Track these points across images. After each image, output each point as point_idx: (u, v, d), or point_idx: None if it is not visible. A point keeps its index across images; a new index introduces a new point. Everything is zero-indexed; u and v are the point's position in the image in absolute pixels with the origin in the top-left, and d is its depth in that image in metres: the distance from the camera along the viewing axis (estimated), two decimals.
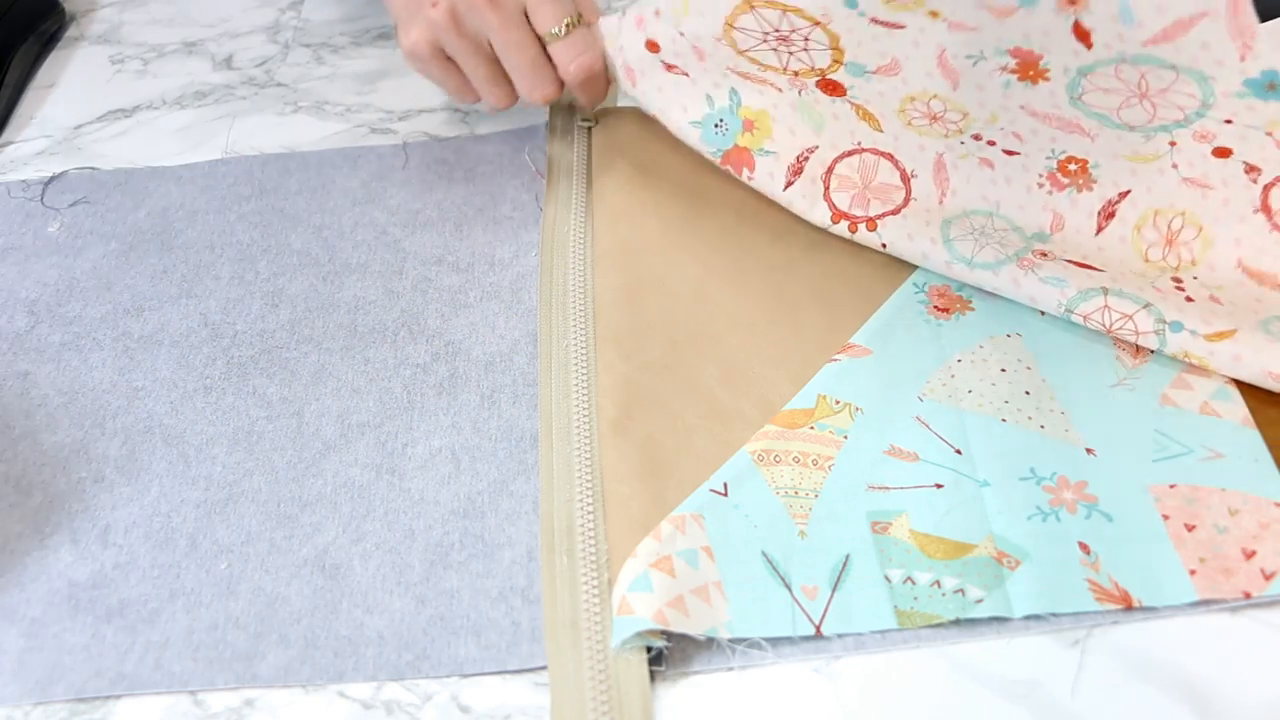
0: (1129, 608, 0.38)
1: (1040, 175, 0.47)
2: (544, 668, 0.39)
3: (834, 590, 0.40)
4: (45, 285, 0.54)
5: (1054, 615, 0.38)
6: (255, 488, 0.45)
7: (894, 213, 0.49)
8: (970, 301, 0.48)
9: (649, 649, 0.38)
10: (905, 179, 0.49)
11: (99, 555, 0.43)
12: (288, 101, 0.64)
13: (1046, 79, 0.43)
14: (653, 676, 0.38)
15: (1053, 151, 0.46)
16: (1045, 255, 0.47)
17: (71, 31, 0.71)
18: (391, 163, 0.59)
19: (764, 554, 0.40)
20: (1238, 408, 0.43)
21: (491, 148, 0.59)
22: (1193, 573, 0.39)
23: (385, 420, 0.47)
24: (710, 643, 0.39)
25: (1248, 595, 0.38)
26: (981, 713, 0.37)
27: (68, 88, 0.67)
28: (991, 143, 0.47)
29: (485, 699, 0.39)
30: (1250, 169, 0.44)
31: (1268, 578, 0.38)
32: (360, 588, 0.42)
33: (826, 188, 0.50)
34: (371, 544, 0.43)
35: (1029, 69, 0.43)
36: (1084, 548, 0.40)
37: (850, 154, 0.50)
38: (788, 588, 0.40)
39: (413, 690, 0.39)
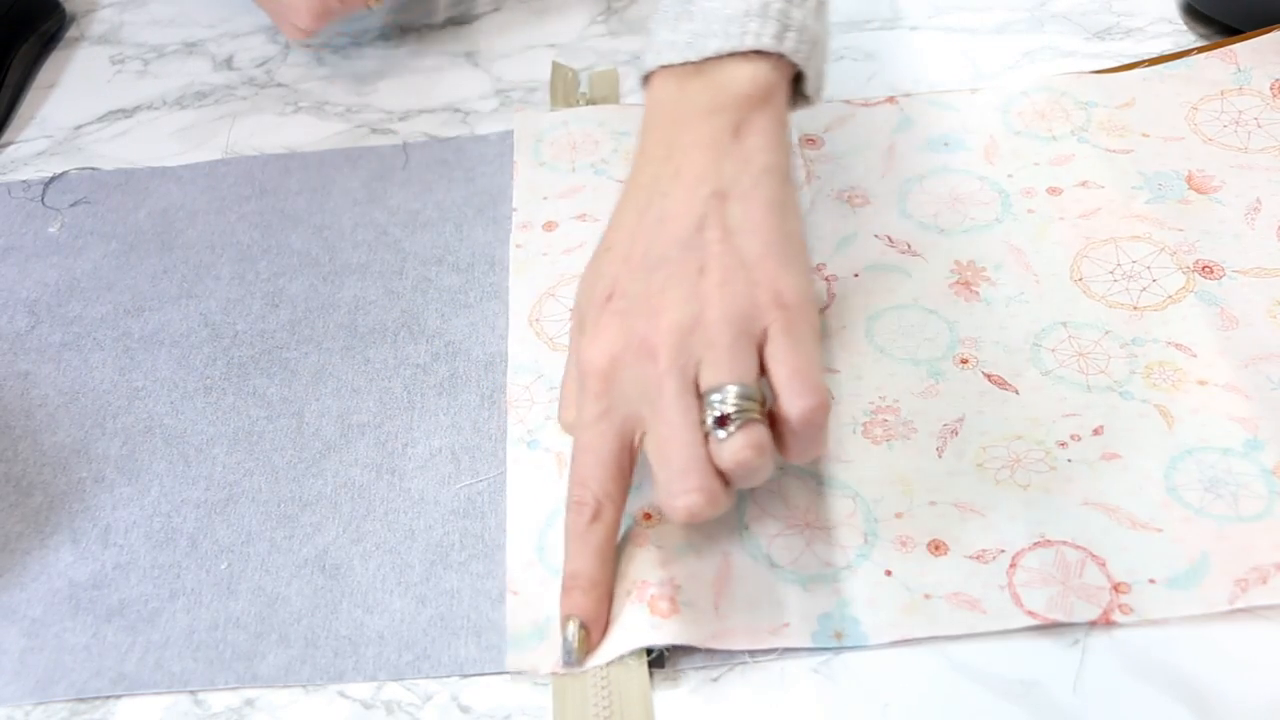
0: None
1: None
2: (548, 672, 0.39)
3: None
4: (46, 285, 0.54)
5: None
6: (255, 488, 0.45)
7: None
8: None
9: (649, 650, 0.38)
10: None
11: (99, 555, 0.43)
12: (288, 102, 0.64)
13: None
14: (653, 676, 0.38)
15: None
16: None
17: (72, 32, 0.71)
18: (391, 163, 0.59)
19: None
20: None
21: (491, 148, 0.59)
22: None
23: (385, 420, 0.47)
24: None
25: None
26: (981, 713, 0.37)
27: (68, 88, 0.67)
28: None
29: (485, 699, 0.39)
30: None
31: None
32: (360, 588, 0.42)
33: None
34: (372, 544, 0.43)
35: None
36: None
37: None
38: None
39: (413, 690, 0.39)
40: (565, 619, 0.38)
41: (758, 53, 0.40)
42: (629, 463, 0.39)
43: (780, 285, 0.37)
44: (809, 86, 0.43)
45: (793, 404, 0.36)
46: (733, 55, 0.40)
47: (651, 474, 0.37)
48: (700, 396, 0.37)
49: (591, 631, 0.38)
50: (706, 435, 0.36)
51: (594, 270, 0.41)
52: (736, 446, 0.36)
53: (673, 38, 0.41)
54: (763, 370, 0.37)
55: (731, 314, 0.36)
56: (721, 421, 0.36)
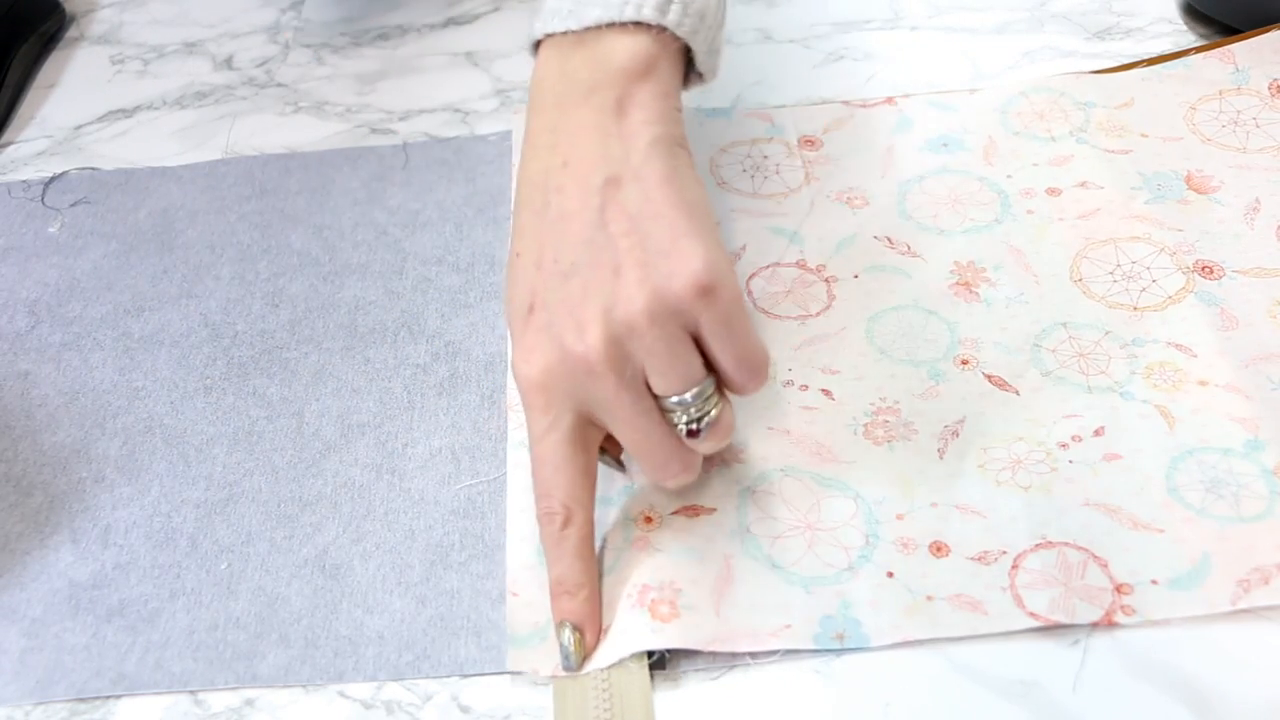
0: None
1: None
2: (549, 675, 0.39)
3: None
4: (46, 285, 0.54)
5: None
6: (255, 488, 0.45)
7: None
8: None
9: (650, 651, 0.38)
10: None
11: (99, 555, 0.43)
12: (288, 102, 0.64)
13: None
14: (653, 677, 0.38)
15: None
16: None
17: (72, 32, 0.71)
18: (391, 163, 0.59)
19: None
20: None
21: (491, 148, 0.59)
22: None
23: (385, 420, 0.47)
24: None
25: None
26: (981, 713, 0.37)
27: (68, 88, 0.67)
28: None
29: (485, 699, 0.39)
30: None
31: None
32: (360, 588, 0.42)
33: None
34: (372, 544, 0.43)
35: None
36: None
37: None
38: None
39: (413, 690, 0.39)
40: (558, 626, 0.39)
41: (640, 24, 0.39)
42: (587, 464, 0.39)
43: (695, 268, 0.36)
44: (700, 63, 0.42)
45: (743, 386, 0.39)
46: (613, 26, 0.39)
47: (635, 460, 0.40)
48: (655, 395, 0.38)
49: (586, 633, 0.39)
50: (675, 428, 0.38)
51: (511, 279, 0.40)
52: (714, 442, 0.39)
53: (558, 5, 0.41)
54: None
55: (659, 315, 0.36)
56: (692, 433, 0.38)
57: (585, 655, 0.38)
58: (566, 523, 0.39)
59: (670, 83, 0.40)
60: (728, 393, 0.39)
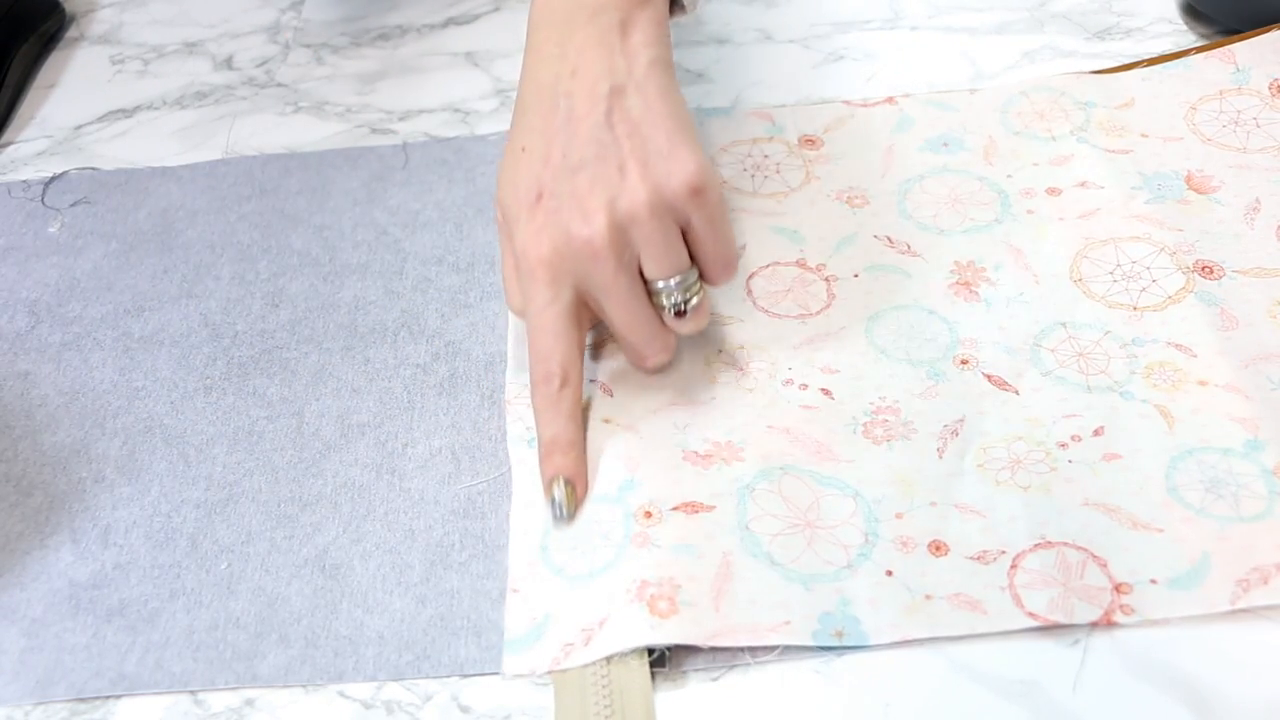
0: None
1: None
2: (545, 671, 0.39)
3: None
4: (46, 285, 0.54)
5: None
6: (255, 488, 0.45)
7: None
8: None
9: (650, 650, 0.38)
10: None
11: (99, 555, 0.43)
12: (288, 102, 0.64)
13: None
14: (654, 676, 0.38)
15: None
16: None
17: (72, 32, 0.71)
18: (391, 163, 0.59)
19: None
20: None
21: (491, 148, 0.59)
22: None
23: (385, 420, 0.47)
24: None
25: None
26: (981, 712, 0.37)
27: (68, 88, 0.67)
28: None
29: (485, 699, 0.39)
30: None
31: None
32: (360, 588, 0.42)
33: None
34: (372, 544, 0.43)
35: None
36: None
37: None
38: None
39: (413, 690, 0.39)
40: (550, 482, 0.43)
41: None
42: (581, 337, 0.44)
43: (691, 170, 0.42)
44: None
45: (718, 278, 0.44)
46: None
47: (618, 340, 0.45)
48: (646, 281, 0.43)
49: (576, 486, 0.43)
50: (660, 311, 0.44)
51: (514, 171, 0.44)
52: (695, 324, 0.44)
53: None
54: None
55: (658, 208, 0.42)
56: (680, 313, 0.43)
57: (576, 507, 0.42)
58: (563, 384, 0.43)
59: (663, 11, 0.45)
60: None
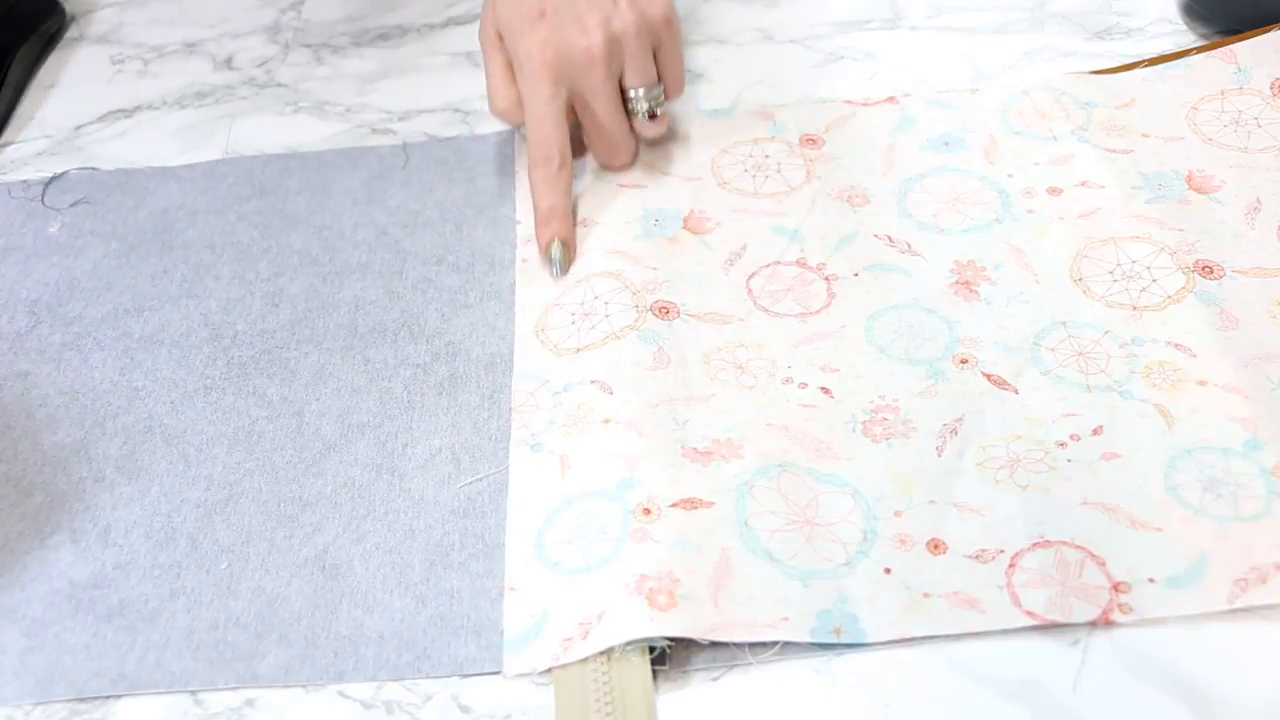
0: None
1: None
2: (546, 669, 0.39)
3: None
4: (46, 285, 0.54)
5: None
6: (255, 487, 0.45)
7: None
8: None
9: (651, 648, 0.38)
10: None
11: (99, 555, 0.43)
12: (288, 101, 0.64)
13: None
14: (655, 675, 0.38)
15: None
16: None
17: (72, 31, 0.71)
18: (391, 163, 0.59)
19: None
20: None
21: (491, 148, 0.59)
22: None
23: (385, 420, 0.47)
24: (713, 642, 0.38)
25: None
26: (981, 712, 0.37)
27: (68, 88, 0.67)
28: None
29: (485, 699, 0.39)
30: None
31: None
32: (360, 587, 0.42)
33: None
34: (372, 544, 0.43)
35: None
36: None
37: None
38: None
39: (413, 690, 0.39)
40: (548, 244, 0.52)
41: None
42: (571, 129, 0.54)
43: (664, 5, 0.53)
44: None
45: (675, 92, 0.56)
46: None
47: (588, 141, 0.55)
48: (624, 91, 0.54)
49: (569, 246, 0.52)
50: (630, 117, 0.54)
51: None
52: (661, 128, 0.55)
53: None
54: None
55: (641, 31, 0.52)
56: (652, 115, 0.54)
57: (569, 264, 0.51)
58: (560, 165, 0.52)
59: None
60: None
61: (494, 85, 0.54)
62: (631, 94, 0.53)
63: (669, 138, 0.57)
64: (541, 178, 0.52)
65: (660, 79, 0.54)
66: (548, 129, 0.52)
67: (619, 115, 0.54)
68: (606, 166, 0.56)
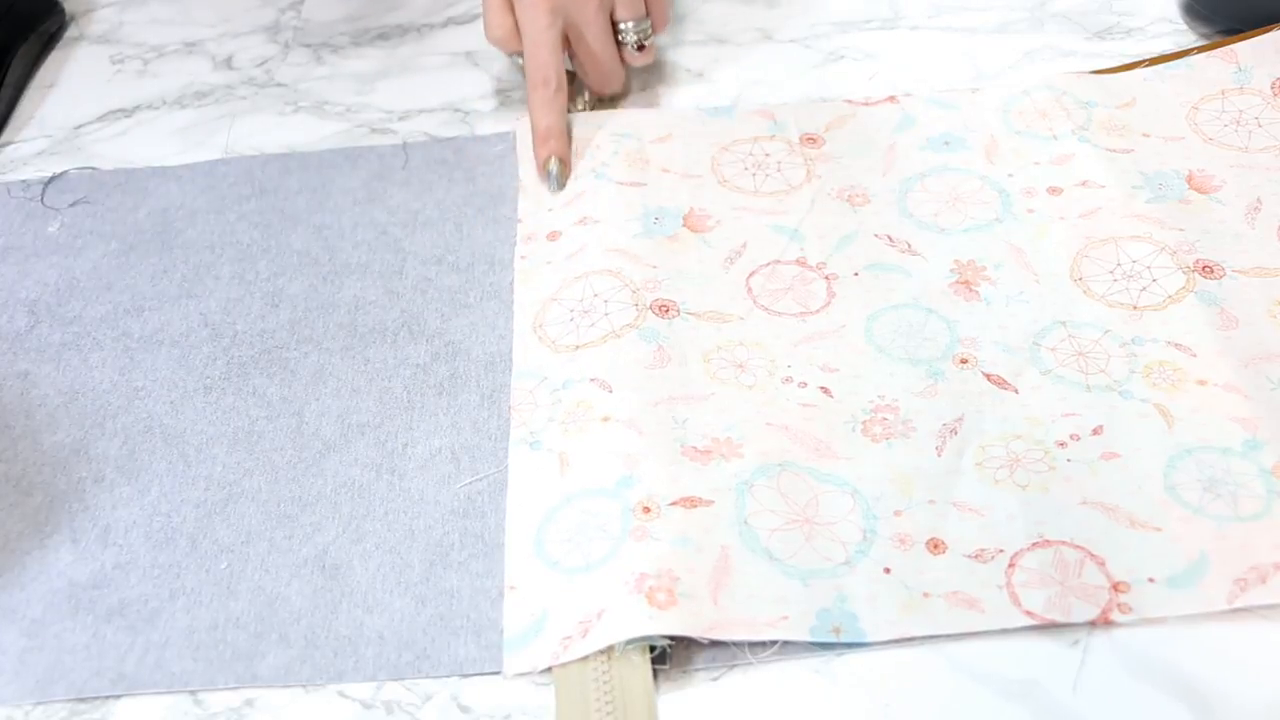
0: None
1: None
2: (546, 667, 0.39)
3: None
4: (45, 285, 0.54)
5: None
6: (255, 487, 0.45)
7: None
8: None
9: (652, 648, 0.38)
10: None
11: (99, 555, 0.43)
12: (288, 101, 0.64)
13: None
14: (656, 675, 0.38)
15: None
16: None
17: (71, 31, 0.71)
18: (391, 163, 0.59)
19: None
20: None
21: (491, 148, 0.59)
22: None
23: (385, 420, 0.47)
24: (713, 641, 0.38)
25: None
26: (981, 712, 0.37)
27: (68, 88, 0.67)
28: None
29: (485, 699, 0.39)
30: None
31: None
32: (360, 587, 0.42)
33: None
34: (371, 544, 0.43)
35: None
36: None
37: None
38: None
39: (413, 690, 0.39)
40: (546, 161, 0.56)
41: None
42: (566, 57, 0.58)
43: None
44: None
45: (661, 26, 0.60)
46: None
47: (581, 72, 0.59)
48: (614, 23, 0.58)
49: (565, 163, 0.56)
50: (620, 47, 0.58)
51: None
52: (648, 59, 0.60)
53: None
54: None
55: None
56: (640, 47, 0.59)
57: (565, 180, 0.56)
58: (557, 88, 0.56)
59: None
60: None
61: (491, 15, 0.57)
62: (622, 26, 0.58)
63: (669, 136, 0.57)
64: (540, 99, 0.56)
65: (648, 13, 0.58)
66: (545, 54, 0.56)
67: (610, 46, 0.58)
68: (599, 94, 0.60)
